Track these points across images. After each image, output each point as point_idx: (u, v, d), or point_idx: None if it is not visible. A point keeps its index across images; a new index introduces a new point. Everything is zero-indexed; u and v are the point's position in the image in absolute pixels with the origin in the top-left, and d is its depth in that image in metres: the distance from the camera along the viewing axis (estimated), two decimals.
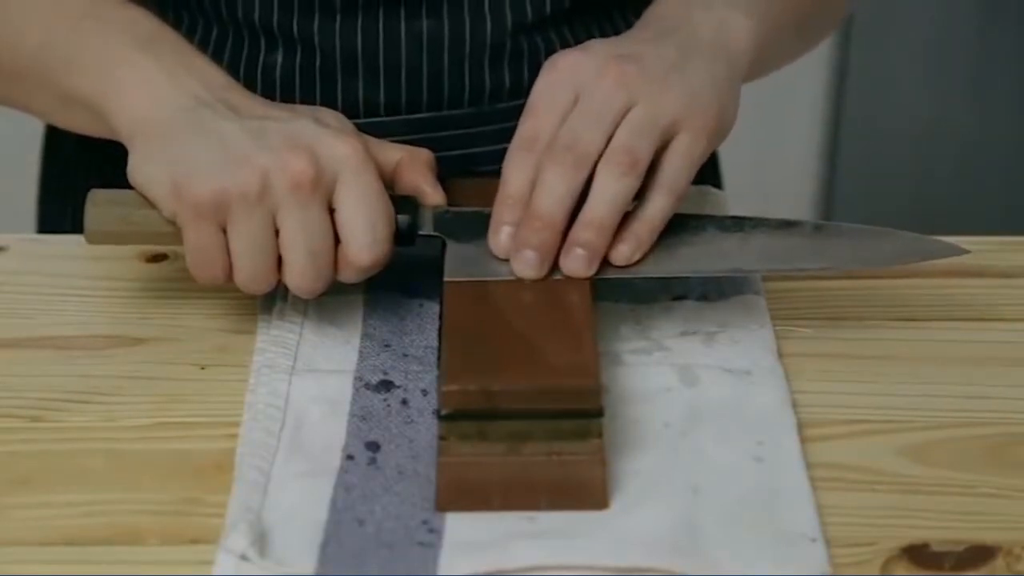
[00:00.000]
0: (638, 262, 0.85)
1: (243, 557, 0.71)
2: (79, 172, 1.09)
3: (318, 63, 1.00)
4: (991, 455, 0.80)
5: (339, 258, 0.82)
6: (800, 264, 0.86)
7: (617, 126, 0.83)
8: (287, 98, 1.00)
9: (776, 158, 2.27)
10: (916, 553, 0.73)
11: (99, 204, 0.85)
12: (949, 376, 0.86)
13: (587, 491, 0.75)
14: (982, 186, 2.24)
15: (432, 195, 0.86)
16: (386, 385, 0.83)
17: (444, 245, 0.85)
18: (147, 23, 0.89)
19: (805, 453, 0.79)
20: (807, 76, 2.22)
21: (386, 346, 0.86)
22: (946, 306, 0.92)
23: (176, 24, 1.00)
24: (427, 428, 0.80)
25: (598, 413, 0.75)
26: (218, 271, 0.82)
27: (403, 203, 0.85)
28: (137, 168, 0.83)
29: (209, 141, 0.81)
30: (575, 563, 0.71)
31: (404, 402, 0.82)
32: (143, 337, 0.88)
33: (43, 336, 0.88)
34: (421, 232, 0.85)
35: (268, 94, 0.98)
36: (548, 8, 1.02)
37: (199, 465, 0.78)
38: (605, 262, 0.84)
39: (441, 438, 0.76)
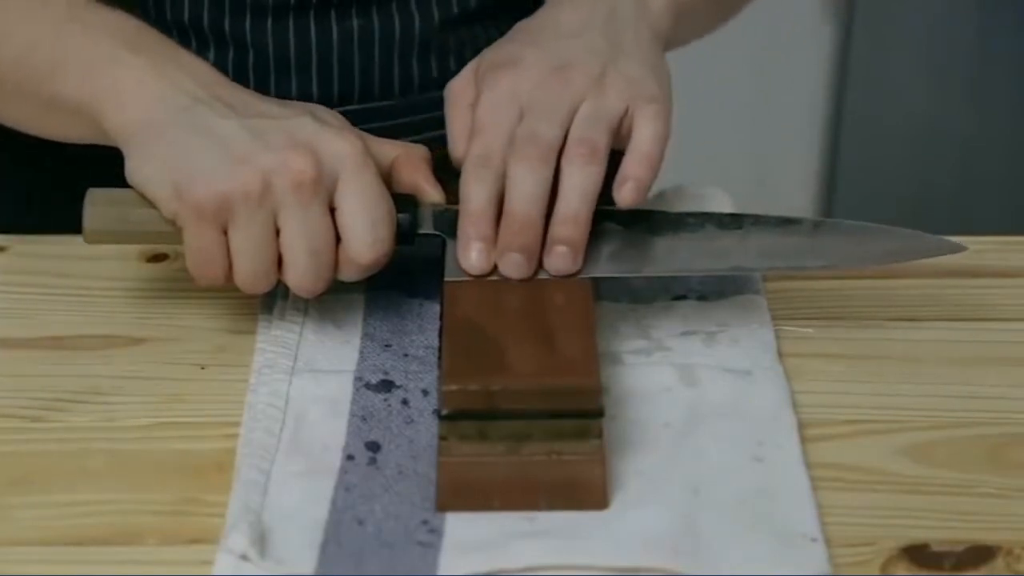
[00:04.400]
0: (637, 261, 0.85)
1: (243, 557, 0.71)
2: (17, 168, 1.08)
3: (251, 61, 1.01)
4: (991, 455, 0.80)
5: (340, 257, 0.82)
6: (799, 262, 0.86)
7: (570, 123, 0.85)
8: None
9: (776, 158, 2.28)
10: (916, 553, 0.73)
11: (97, 204, 0.84)
12: (949, 376, 0.86)
13: (587, 491, 0.75)
14: (982, 186, 2.23)
15: (431, 193, 0.86)
16: (386, 385, 0.83)
17: (444, 243, 0.85)
18: (132, 24, 0.88)
19: (805, 453, 0.79)
20: (807, 76, 2.22)
21: (386, 346, 0.86)
22: (946, 306, 0.92)
23: None
24: (427, 428, 0.80)
25: (598, 413, 0.75)
26: (218, 271, 0.82)
27: (402, 201, 0.85)
28: (136, 169, 0.83)
29: (209, 141, 0.81)
30: (575, 563, 0.71)
31: (404, 402, 0.82)
32: (143, 337, 0.88)
33: (43, 336, 0.88)
34: (421, 231, 0.85)
35: None
36: (473, 3, 1.04)
37: (199, 465, 0.78)
38: (606, 262, 0.84)
39: (441, 438, 0.76)
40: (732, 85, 2.18)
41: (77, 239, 0.87)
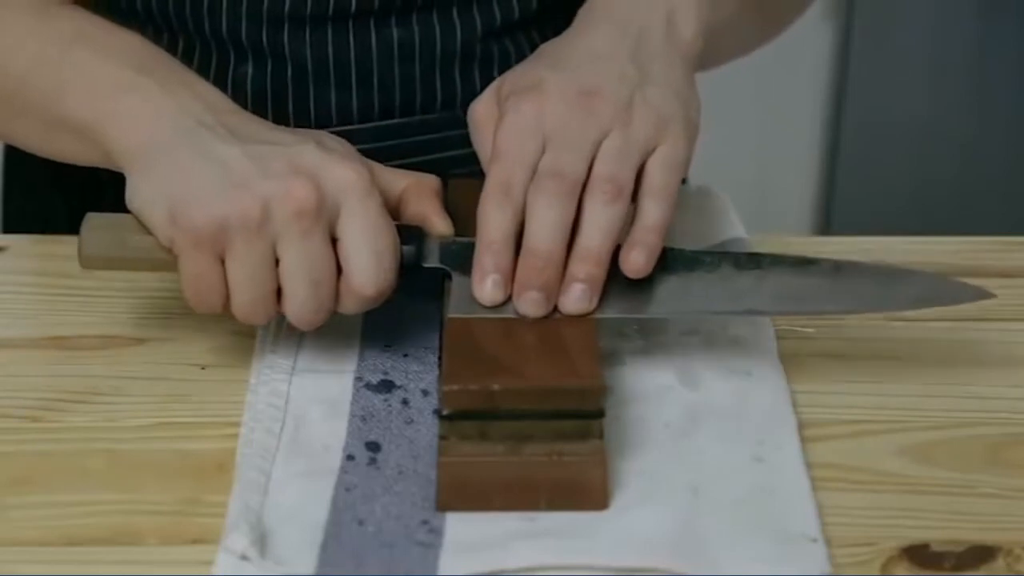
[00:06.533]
0: (650, 301, 0.82)
1: (243, 557, 0.71)
2: (39, 171, 1.08)
3: (290, 74, 0.99)
4: (991, 455, 0.80)
5: (341, 289, 0.80)
6: (817, 306, 0.83)
7: (595, 156, 0.81)
8: (259, 109, 0.98)
9: (776, 158, 2.28)
10: (916, 553, 0.73)
11: (95, 228, 0.83)
12: (949, 376, 0.86)
13: (587, 491, 0.75)
14: (982, 186, 2.24)
15: (439, 225, 0.83)
16: (387, 385, 0.83)
17: (446, 277, 0.83)
18: (142, 46, 0.87)
19: (805, 453, 0.79)
20: (807, 76, 2.23)
21: (386, 346, 0.86)
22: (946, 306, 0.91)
23: (142, 36, 1.00)
24: (427, 428, 0.80)
25: (599, 414, 0.75)
26: (215, 300, 0.80)
27: (408, 233, 0.82)
28: (135, 192, 0.81)
29: (209, 166, 0.79)
30: (575, 563, 0.71)
31: (405, 402, 0.82)
32: (143, 337, 0.88)
33: (43, 336, 0.88)
34: (426, 264, 0.82)
35: (239, 105, 0.98)
36: (516, 12, 1.02)
37: (199, 465, 0.78)
38: (618, 301, 0.81)
39: (441, 438, 0.76)
40: (732, 85, 2.18)
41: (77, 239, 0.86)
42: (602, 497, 0.75)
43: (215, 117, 0.82)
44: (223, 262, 0.79)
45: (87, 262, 0.83)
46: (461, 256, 0.82)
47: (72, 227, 0.92)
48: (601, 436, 0.76)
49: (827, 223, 2.25)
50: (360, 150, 0.95)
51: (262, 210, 0.78)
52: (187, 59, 0.99)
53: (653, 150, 0.82)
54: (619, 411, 0.81)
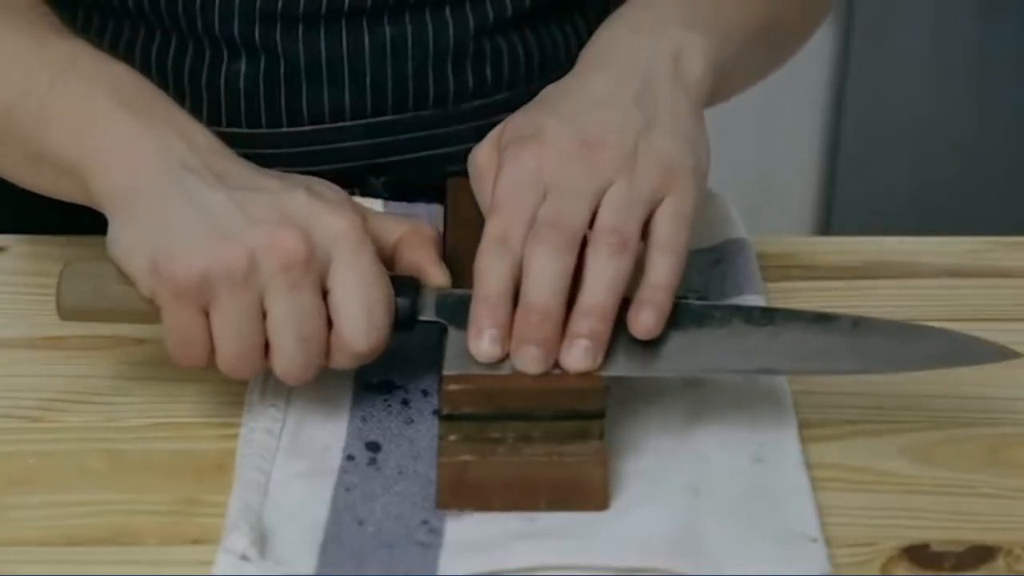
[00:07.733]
0: (657, 358, 0.78)
1: (243, 557, 0.71)
2: None
3: (282, 71, 0.99)
4: (991, 455, 0.80)
5: (332, 343, 0.76)
6: (834, 365, 0.79)
7: (598, 206, 0.78)
8: (251, 107, 0.99)
9: (776, 158, 2.27)
10: (916, 553, 0.73)
11: (74, 278, 0.78)
12: (949, 376, 0.85)
13: (588, 492, 0.75)
14: (982, 186, 2.24)
15: (435, 275, 0.80)
16: (387, 385, 0.83)
17: (445, 330, 0.79)
18: (131, 80, 0.83)
19: (805, 453, 0.79)
20: (807, 76, 2.22)
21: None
22: (946, 306, 0.92)
23: (134, 34, 0.99)
24: (428, 428, 0.80)
25: (599, 414, 0.75)
26: (199, 353, 0.76)
27: (403, 284, 0.79)
28: (116, 238, 0.77)
29: (193, 214, 0.76)
30: (575, 563, 0.71)
31: (405, 402, 0.82)
32: (143, 337, 0.88)
33: (43, 336, 0.88)
34: (422, 317, 0.79)
35: (232, 102, 0.98)
36: (509, 10, 1.02)
37: (199, 465, 0.78)
38: (624, 358, 0.78)
39: (441, 438, 0.76)
40: None
41: (77, 239, 0.86)
42: (602, 497, 0.75)
43: (201, 160, 0.78)
44: (208, 314, 0.76)
45: (66, 314, 0.79)
46: (458, 309, 0.78)
47: (68, 225, 0.92)
48: (601, 436, 0.76)
49: (827, 223, 2.25)
50: (353, 147, 0.95)
51: (248, 261, 0.74)
52: (179, 57, 0.99)
53: (660, 200, 0.79)
54: (619, 411, 0.81)
